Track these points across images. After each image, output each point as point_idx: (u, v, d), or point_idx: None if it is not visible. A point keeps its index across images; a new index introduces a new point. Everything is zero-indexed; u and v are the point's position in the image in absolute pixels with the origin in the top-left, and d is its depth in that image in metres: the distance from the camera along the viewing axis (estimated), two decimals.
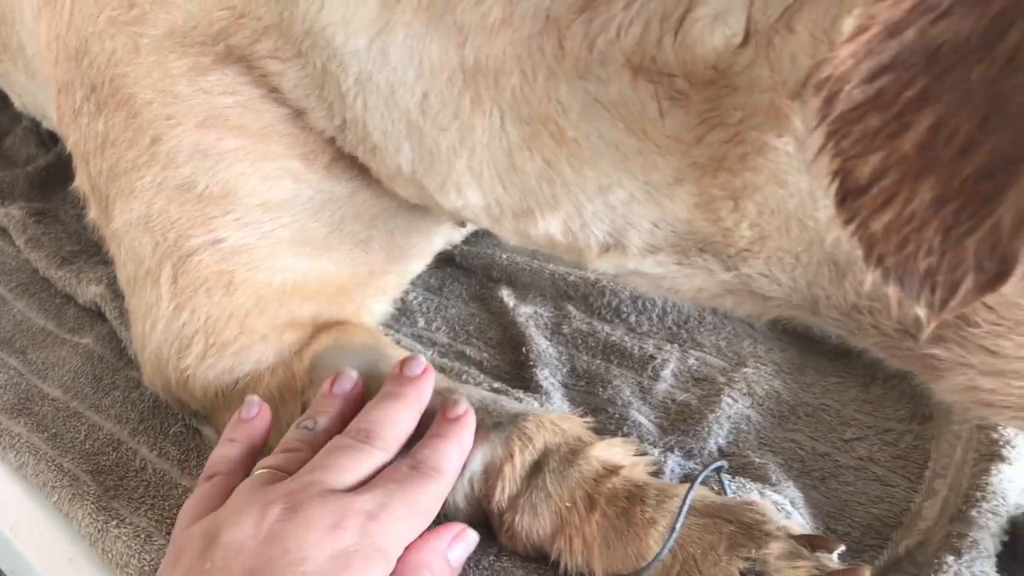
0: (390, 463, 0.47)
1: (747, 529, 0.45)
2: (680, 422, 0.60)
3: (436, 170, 0.46)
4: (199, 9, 0.49)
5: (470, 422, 0.50)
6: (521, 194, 0.44)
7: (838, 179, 0.29)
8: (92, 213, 0.60)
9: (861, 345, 0.41)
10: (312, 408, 0.51)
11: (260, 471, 0.45)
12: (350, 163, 0.54)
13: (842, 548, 0.44)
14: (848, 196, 0.29)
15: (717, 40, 0.34)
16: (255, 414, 0.51)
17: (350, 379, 0.52)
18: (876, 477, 0.56)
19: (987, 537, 0.49)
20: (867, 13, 0.26)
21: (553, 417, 0.52)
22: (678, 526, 0.44)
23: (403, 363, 0.51)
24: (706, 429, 0.58)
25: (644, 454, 0.53)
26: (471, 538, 0.49)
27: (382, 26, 0.42)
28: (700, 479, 0.46)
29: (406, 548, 0.44)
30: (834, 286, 0.38)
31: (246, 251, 0.55)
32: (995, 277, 0.28)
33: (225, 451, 0.50)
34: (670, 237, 0.42)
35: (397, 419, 0.49)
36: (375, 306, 0.62)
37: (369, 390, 0.53)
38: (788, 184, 0.35)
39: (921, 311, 0.30)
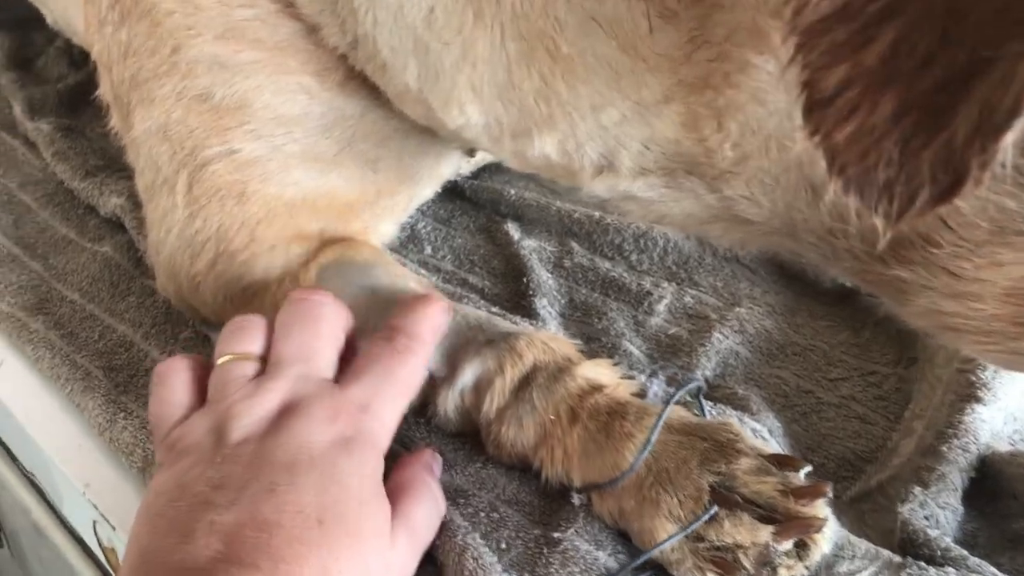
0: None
1: (720, 446, 0.47)
2: (670, 354, 0.62)
3: (440, 86, 0.48)
4: None
5: (438, 296, 0.54)
6: (519, 112, 0.46)
7: (805, 90, 0.30)
8: (113, 121, 0.62)
9: (836, 270, 0.43)
10: None
11: (227, 359, 0.48)
12: (362, 83, 0.55)
13: (809, 468, 0.46)
14: (814, 107, 0.30)
15: None
16: None
17: None
18: (856, 415, 0.58)
19: (955, 472, 0.50)
20: None
21: (544, 337, 0.54)
22: (652, 438, 0.46)
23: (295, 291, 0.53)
24: (694, 361, 0.60)
25: (631, 378, 0.55)
26: (440, 459, 0.53)
27: None
28: (677, 397, 0.48)
29: (399, 469, 0.48)
30: (811, 209, 0.39)
31: (259, 163, 0.57)
32: (948, 189, 0.29)
33: None
34: (659, 159, 0.43)
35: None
36: (381, 226, 0.64)
37: (368, 306, 0.55)
38: (768, 103, 0.36)
39: (879, 221, 0.31)
